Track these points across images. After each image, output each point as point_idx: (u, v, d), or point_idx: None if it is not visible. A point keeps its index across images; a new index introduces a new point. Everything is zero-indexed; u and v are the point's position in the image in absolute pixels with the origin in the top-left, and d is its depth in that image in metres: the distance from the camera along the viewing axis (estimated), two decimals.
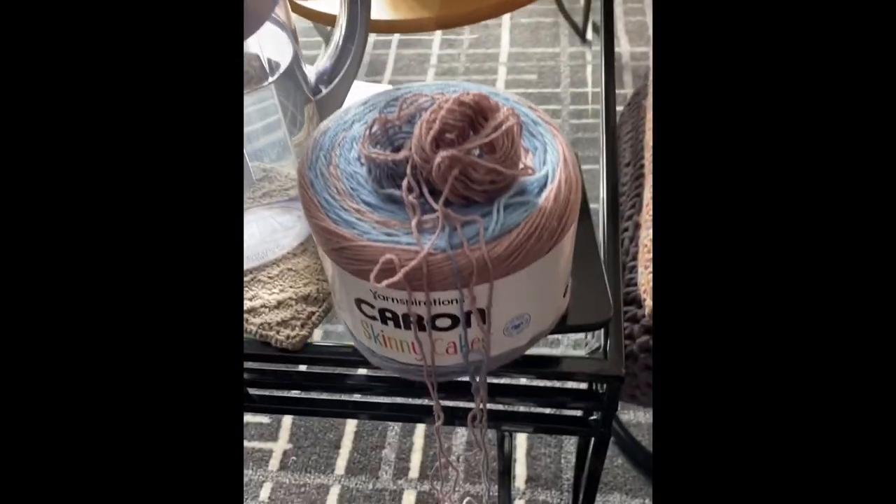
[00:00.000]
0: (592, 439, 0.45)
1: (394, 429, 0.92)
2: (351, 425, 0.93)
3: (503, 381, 0.42)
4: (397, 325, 0.32)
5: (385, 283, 0.28)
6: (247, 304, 0.41)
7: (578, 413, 0.44)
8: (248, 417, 0.95)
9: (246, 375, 0.45)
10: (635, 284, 0.49)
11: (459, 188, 0.29)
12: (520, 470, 0.86)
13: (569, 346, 0.95)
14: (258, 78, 0.39)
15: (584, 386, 0.47)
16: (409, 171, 0.30)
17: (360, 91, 0.45)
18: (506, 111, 0.29)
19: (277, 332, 0.40)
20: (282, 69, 0.38)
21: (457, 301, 0.30)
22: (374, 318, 0.32)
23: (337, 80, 0.42)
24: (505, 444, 0.79)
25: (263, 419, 0.94)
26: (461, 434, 0.90)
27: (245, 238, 0.44)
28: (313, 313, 0.41)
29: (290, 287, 0.43)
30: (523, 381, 0.78)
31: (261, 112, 0.42)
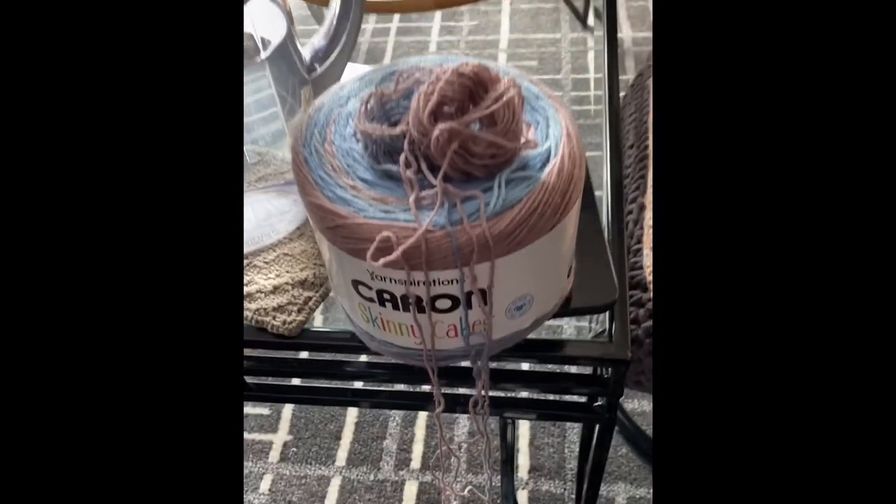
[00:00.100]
0: (597, 426, 0.44)
1: (395, 419, 0.91)
2: (352, 416, 0.92)
3: (505, 366, 0.41)
4: (396, 307, 0.31)
5: (382, 261, 0.27)
6: None
7: (583, 399, 0.43)
8: (248, 409, 0.94)
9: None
10: (640, 268, 0.48)
11: (459, 162, 0.28)
12: (522, 460, 0.85)
13: (571, 334, 0.95)
14: (250, 54, 0.37)
15: (588, 371, 0.46)
16: (406, 145, 0.29)
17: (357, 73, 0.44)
18: (507, 82, 0.28)
19: (273, 318, 0.39)
20: (275, 45, 0.37)
21: (457, 281, 0.29)
22: (371, 300, 0.31)
23: (332, 58, 0.41)
24: (508, 433, 0.78)
25: (263, 410, 0.93)
26: (463, 424, 0.89)
27: None
28: (310, 298, 0.40)
29: (287, 272, 0.42)
30: (525, 366, 0.77)
31: (255, 94, 0.41)
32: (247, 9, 0.36)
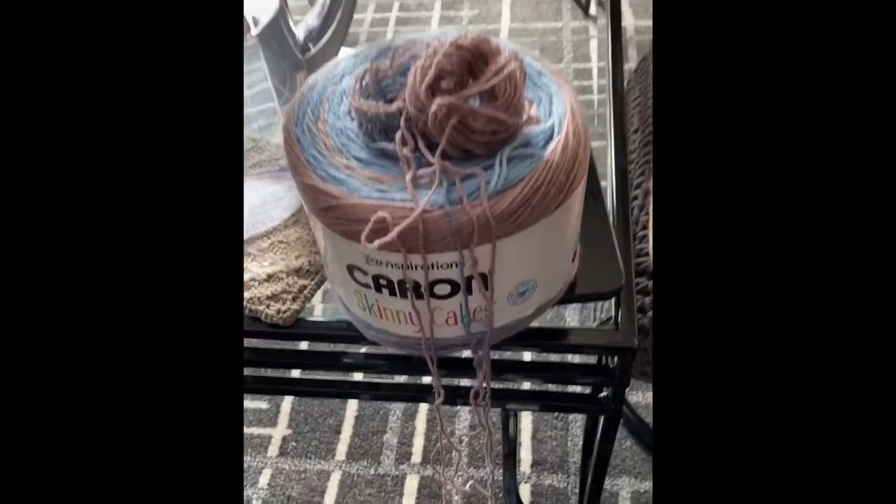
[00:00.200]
0: (602, 418, 0.42)
1: (395, 413, 0.90)
2: (351, 410, 0.91)
3: (507, 355, 0.40)
4: (392, 293, 0.29)
5: (377, 243, 0.25)
6: None
7: (587, 390, 0.41)
8: (247, 403, 0.93)
9: None
10: (645, 254, 0.47)
11: (458, 139, 0.26)
12: (525, 453, 0.84)
13: (573, 323, 0.93)
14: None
15: (592, 360, 0.45)
16: (402, 123, 0.27)
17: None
18: (507, 55, 0.26)
19: (267, 307, 0.38)
20: (266, 21, 0.36)
21: (456, 265, 0.27)
22: (367, 286, 0.30)
23: (325, 38, 0.40)
24: (510, 426, 0.77)
25: (262, 404, 0.92)
26: (464, 417, 0.88)
27: None
28: (305, 286, 0.39)
29: (282, 260, 0.40)
30: (527, 357, 0.76)
31: (248, 77, 0.40)
32: None
